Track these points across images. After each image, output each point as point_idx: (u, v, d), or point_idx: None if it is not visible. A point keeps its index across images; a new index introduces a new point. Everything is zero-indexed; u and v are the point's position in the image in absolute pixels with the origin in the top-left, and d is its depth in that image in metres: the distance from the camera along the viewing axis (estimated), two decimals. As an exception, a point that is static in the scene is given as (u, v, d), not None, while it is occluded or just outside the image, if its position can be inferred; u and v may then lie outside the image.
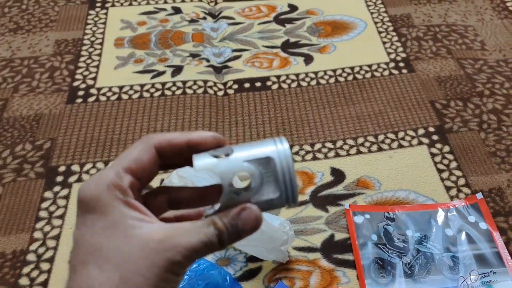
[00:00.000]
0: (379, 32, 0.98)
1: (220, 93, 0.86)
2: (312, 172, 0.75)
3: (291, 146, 0.78)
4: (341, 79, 0.89)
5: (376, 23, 1.01)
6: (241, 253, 0.66)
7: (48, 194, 0.72)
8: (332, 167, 0.76)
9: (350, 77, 0.89)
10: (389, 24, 1.00)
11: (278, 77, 0.89)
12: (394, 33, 0.98)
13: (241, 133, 0.82)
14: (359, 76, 0.90)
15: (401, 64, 0.92)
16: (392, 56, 0.94)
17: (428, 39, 0.97)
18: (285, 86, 0.88)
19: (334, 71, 0.91)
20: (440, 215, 0.68)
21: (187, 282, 0.58)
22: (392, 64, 0.92)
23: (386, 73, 0.90)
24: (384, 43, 0.96)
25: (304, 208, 0.71)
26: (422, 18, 1.02)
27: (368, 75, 0.90)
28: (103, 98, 0.85)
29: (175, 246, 0.25)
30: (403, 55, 0.94)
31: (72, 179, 0.73)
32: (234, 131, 0.82)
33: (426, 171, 0.75)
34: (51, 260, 0.64)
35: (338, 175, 0.75)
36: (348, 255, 0.65)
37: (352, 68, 0.91)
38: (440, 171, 0.75)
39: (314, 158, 0.77)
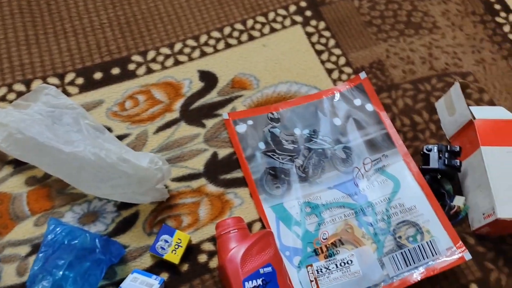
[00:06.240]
0: None
1: (31, -7, 0.63)
2: (177, 81, 0.61)
3: (145, 52, 0.62)
4: (191, -48, 0.70)
5: None
6: (109, 201, 0.53)
7: None
8: (200, 70, 0.62)
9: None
10: None
11: (107, -41, 0.67)
12: None
13: (74, 46, 0.62)
14: None
15: None
16: None
17: None
18: (120, -29, 0.67)
19: None
20: (326, 104, 0.62)
21: (43, 265, 0.45)
22: None
23: None
24: None
25: (176, 129, 0.58)
26: None
27: None
28: None
29: None
30: None
31: None
32: (63, 44, 0.62)
33: (304, 55, 0.66)
34: None
35: (209, 79, 0.62)
36: (237, 172, 0.57)
37: None
38: (319, 53, 0.66)
39: (177, 62, 0.62)
